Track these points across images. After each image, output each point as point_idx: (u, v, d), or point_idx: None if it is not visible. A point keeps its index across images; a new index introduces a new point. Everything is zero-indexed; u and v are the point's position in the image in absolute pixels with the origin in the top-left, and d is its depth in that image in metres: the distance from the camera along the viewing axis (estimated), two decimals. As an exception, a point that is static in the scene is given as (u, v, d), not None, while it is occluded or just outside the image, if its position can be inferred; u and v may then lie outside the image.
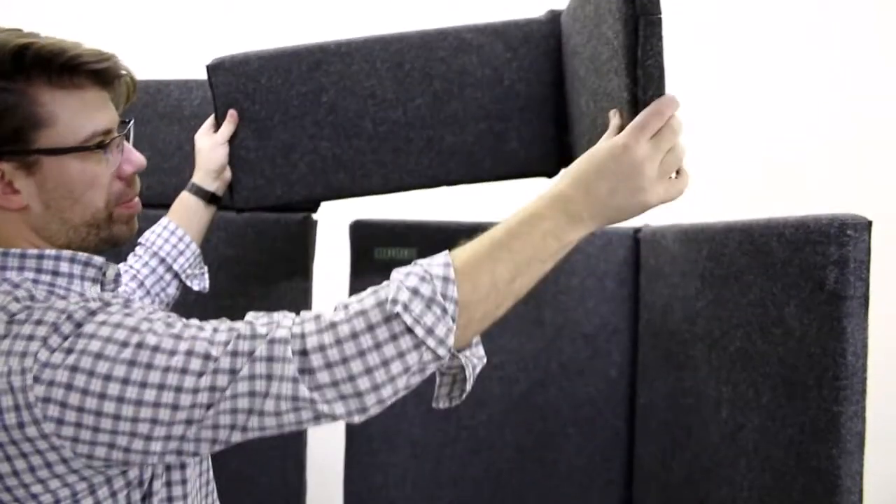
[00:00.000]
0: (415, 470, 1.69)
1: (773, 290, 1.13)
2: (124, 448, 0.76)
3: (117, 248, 0.98)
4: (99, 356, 0.75)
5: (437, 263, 0.82)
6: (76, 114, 0.85)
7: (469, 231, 1.64)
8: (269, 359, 0.77)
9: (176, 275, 1.37)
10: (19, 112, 0.81)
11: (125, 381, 0.75)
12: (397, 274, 0.82)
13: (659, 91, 0.85)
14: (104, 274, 0.92)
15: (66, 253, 0.87)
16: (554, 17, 1.41)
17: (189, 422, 0.77)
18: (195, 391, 0.76)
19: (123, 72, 0.92)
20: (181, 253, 1.36)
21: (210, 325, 0.81)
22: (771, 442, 1.14)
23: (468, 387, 0.89)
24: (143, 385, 0.75)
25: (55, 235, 0.88)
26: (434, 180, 1.47)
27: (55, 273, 0.86)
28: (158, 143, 1.77)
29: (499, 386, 1.67)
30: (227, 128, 1.40)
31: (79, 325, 0.77)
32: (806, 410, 1.07)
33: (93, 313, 0.78)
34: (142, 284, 1.32)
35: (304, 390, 0.76)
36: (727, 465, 1.24)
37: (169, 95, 1.77)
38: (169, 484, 0.89)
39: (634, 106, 0.86)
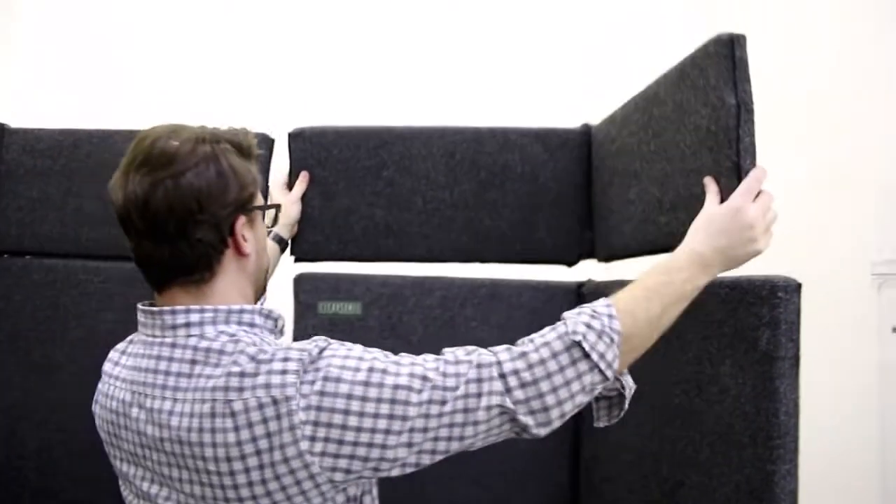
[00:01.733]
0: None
1: (710, 349, 1.16)
2: (363, 458, 0.90)
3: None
4: (339, 380, 0.90)
5: (601, 305, 0.99)
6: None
7: (413, 284, 1.66)
8: (479, 380, 0.93)
9: None
10: (252, 180, 1.02)
11: (363, 399, 0.89)
12: (569, 314, 0.98)
13: (754, 160, 1.06)
14: (276, 324, 1.07)
15: (256, 308, 1.02)
16: (587, 129, 1.67)
17: (413, 430, 0.90)
18: (419, 404, 0.90)
19: None
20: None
21: (417, 357, 0.97)
22: (709, 499, 1.15)
23: (626, 405, 1.07)
24: (378, 401, 0.90)
25: (256, 280, 1.06)
26: (470, 256, 1.69)
27: (251, 325, 1.00)
28: (102, 193, 1.73)
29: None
30: (301, 187, 1.65)
31: (314, 360, 0.92)
32: (741, 468, 1.08)
33: (322, 350, 0.93)
34: None
35: (508, 402, 0.92)
36: (668, 522, 1.25)
37: (113, 145, 1.74)
38: (374, 500, 1.05)
39: (737, 173, 1.06)
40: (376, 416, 0.89)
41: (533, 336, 0.97)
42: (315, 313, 1.67)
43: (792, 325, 1.04)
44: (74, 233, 1.75)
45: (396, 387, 0.91)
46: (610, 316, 0.97)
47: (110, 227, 1.73)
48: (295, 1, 2.61)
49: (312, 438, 0.88)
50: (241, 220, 1.00)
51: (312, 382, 0.90)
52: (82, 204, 1.75)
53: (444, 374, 0.93)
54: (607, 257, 1.62)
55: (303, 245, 1.67)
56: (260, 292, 1.09)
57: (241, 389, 0.90)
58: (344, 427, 0.89)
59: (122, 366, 1.04)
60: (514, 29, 2.54)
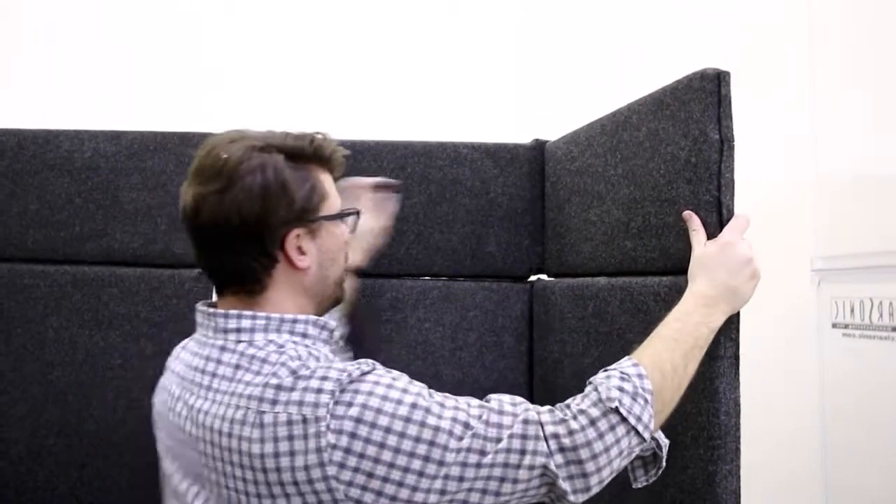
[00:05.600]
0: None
1: (653, 349, 1.14)
2: (391, 496, 0.86)
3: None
4: (379, 411, 0.87)
5: (628, 365, 0.98)
6: (334, 192, 1.04)
7: (362, 286, 1.64)
8: (524, 436, 0.90)
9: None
10: (315, 188, 0.99)
11: (402, 435, 0.86)
12: (598, 379, 0.97)
13: (732, 194, 1.08)
14: (332, 335, 1.05)
15: (311, 318, 1.00)
16: (539, 145, 1.69)
17: (448, 478, 0.87)
18: (458, 451, 0.87)
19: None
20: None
21: (460, 398, 0.93)
22: (655, 500, 1.14)
23: (663, 463, 1.03)
24: (417, 440, 0.86)
25: (318, 293, 1.03)
26: (420, 270, 1.68)
27: (304, 335, 0.99)
28: (47, 195, 1.70)
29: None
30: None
31: (353, 381, 0.89)
32: (685, 469, 1.07)
33: (365, 374, 0.90)
34: None
35: (552, 465, 0.89)
36: (616, 524, 1.24)
37: (59, 146, 1.71)
38: None
39: (717, 207, 1.07)
40: (412, 454, 0.86)
41: (568, 402, 0.95)
42: None
43: (730, 324, 1.03)
44: (19, 236, 1.71)
45: (437, 429, 0.87)
46: (640, 376, 0.96)
47: (56, 230, 1.70)
48: (242, 15, 2.61)
49: (342, 465, 0.85)
50: (295, 233, 0.97)
51: (349, 405, 0.87)
52: (27, 206, 1.71)
53: (488, 423, 0.90)
54: (559, 273, 1.62)
55: None
56: (327, 304, 1.06)
57: (274, 402, 0.88)
58: (377, 460, 0.86)
59: (179, 360, 1.05)
60: (465, 47, 2.58)
